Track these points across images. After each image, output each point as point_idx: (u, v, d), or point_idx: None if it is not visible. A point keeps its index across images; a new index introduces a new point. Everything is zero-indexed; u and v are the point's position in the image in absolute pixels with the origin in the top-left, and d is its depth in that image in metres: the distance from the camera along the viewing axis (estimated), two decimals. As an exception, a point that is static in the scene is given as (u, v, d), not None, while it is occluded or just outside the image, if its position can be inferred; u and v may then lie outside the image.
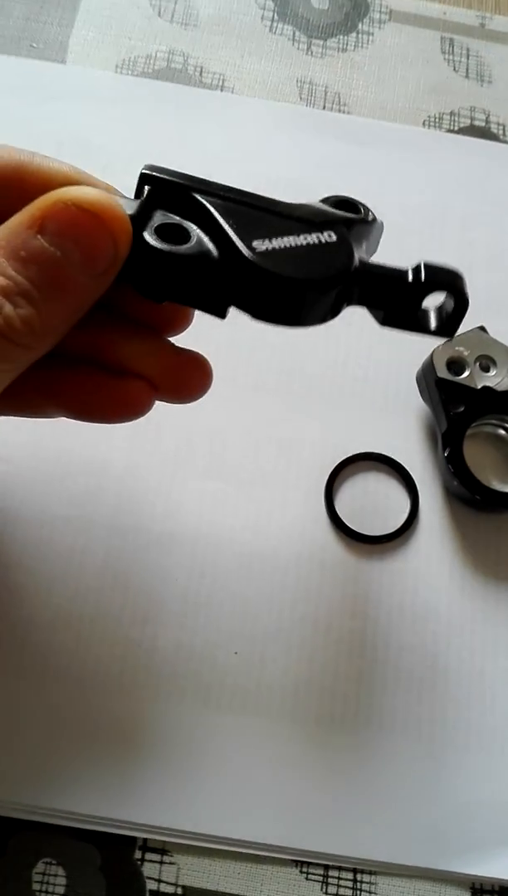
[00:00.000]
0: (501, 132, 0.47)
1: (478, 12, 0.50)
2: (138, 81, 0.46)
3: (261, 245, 0.25)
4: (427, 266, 0.26)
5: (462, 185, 0.45)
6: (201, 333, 0.40)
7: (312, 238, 0.26)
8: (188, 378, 0.29)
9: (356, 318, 0.41)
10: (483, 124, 0.47)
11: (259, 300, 0.25)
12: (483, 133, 0.47)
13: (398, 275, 0.26)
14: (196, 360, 0.29)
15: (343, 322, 0.41)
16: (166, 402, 0.30)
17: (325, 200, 0.28)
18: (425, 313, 0.27)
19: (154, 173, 0.26)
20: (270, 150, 0.45)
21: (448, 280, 0.26)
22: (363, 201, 0.28)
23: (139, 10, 0.48)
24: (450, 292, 0.27)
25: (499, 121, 0.47)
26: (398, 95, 0.47)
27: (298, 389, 0.40)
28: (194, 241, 0.25)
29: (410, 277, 0.26)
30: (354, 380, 0.40)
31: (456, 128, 0.47)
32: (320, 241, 0.26)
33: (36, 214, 0.23)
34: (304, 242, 0.25)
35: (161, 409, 0.38)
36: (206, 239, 0.25)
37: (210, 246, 0.25)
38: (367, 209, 0.28)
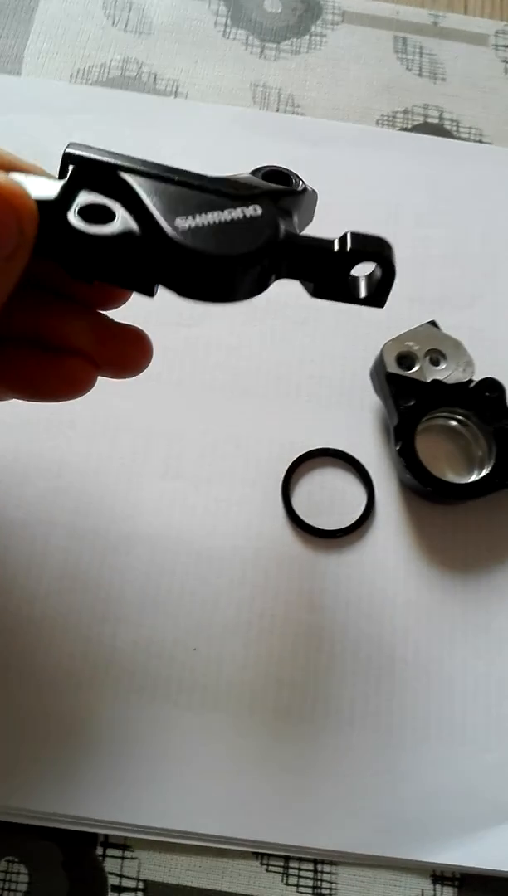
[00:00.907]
0: (454, 129, 0.48)
1: (431, 11, 0.51)
2: (93, 90, 0.47)
3: (184, 223, 0.25)
4: (354, 235, 0.26)
5: (416, 183, 0.46)
6: (155, 334, 0.41)
7: (236, 213, 0.26)
8: (128, 352, 0.30)
9: (310, 316, 0.42)
10: (436, 121, 0.48)
11: (185, 278, 0.25)
12: (437, 130, 0.48)
13: (324, 245, 0.26)
14: (135, 333, 0.30)
15: (297, 320, 0.42)
16: (109, 377, 0.30)
17: (255, 172, 0.28)
18: (355, 282, 0.27)
19: (77, 152, 0.25)
20: (225, 154, 0.45)
21: (374, 249, 0.27)
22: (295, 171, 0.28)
23: (93, 19, 0.48)
24: (377, 262, 0.27)
25: (453, 117, 0.48)
26: (351, 95, 0.48)
27: (253, 388, 0.40)
28: (118, 221, 0.25)
29: (336, 247, 0.26)
30: (309, 377, 0.41)
31: (410, 125, 0.48)
32: (244, 216, 0.26)
33: None
34: (228, 218, 0.25)
35: (118, 411, 0.39)
36: (130, 218, 0.25)
37: (134, 225, 0.25)
38: (298, 179, 0.28)
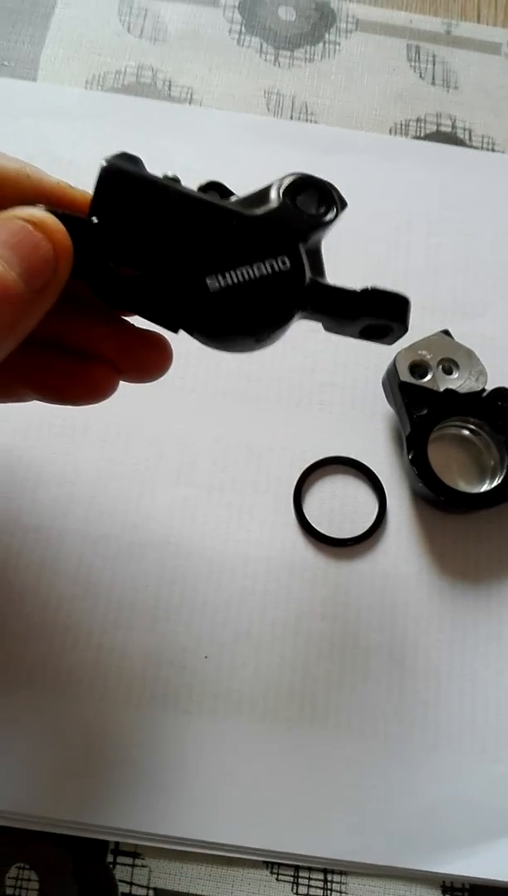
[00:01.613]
0: (467, 137, 0.48)
1: (444, 19, 0.51)
2: (108, 97, 0.47)
3: (214, 283, 0.26)
4: (376, 293, 0.27)
5: (428, 191, 0.46)
6: (170, 341, 0.41)
7: (265, 268, 0.26)
8: (149, 357, 0.30)
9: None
10: (449, 130, 0.48)
11: (212, 333, 0.27)
12: (450, 139, 0.48)
13: (347, 298, 0.27)
14: (156, 338, 0.30)
15: (310, 328, 0.42)
16: (129, 381, 0.30)
17: (292, 187, 0.27)
18: (368, 329, 0.28)
19: (112, 189, 0.26)
20: (238, 161, 0.45)
21: (393, 311, 0.27)
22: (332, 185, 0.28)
23: (109, 26, 0.49)
24: (394, 321, 0.27)
25: (465, 126, 0.48)
26: (364, 103, 0.48)
27: (266, 395, 0.40)
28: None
29: (358, 302, 0.27)
30: (321, 385, 0.41)
31: (423, 134, 0.48)
32: (273, 270, 0.26)
33: None
34: (258, 274, 0.26)
35: (131, 417, 0.39)
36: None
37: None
38: (335, 196, 0.28)
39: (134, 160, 0.27)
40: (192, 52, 0.48)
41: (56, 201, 0.26)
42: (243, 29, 0.49)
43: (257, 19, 0.50)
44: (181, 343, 0.41)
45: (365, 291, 0.27)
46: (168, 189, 0.26)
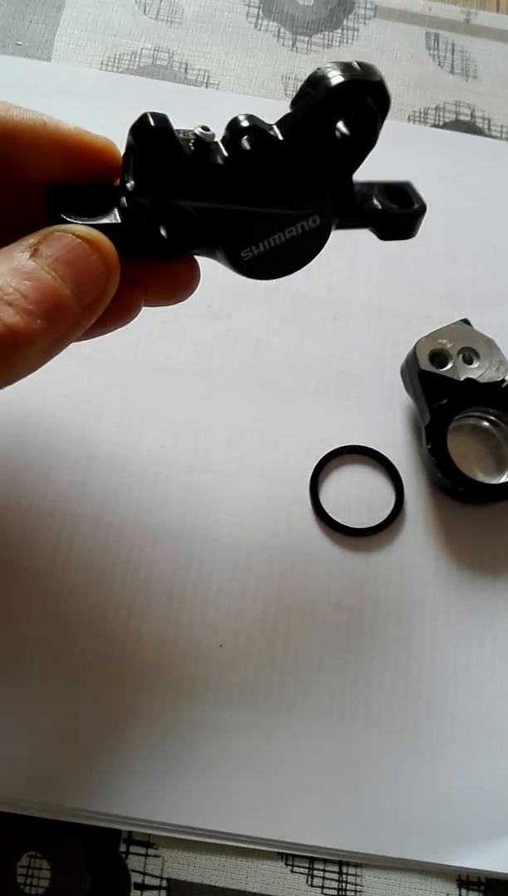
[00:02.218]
0: (486, 126, 0.47)
1: (463, 8, 0.50)
2: (123, 78, 0.46)
3: (248, 253, 0.27)
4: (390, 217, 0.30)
5: (446, 180, 0.45)
6: (183, 326, 0.41)
7: (296, 229, 0.28)
8: (178, 276, 0.30)
9: (340, 311, 0.41)
10: (468, 118, 0.47)
11: (245, 275, 0.29)
12: (469, 127, 0.47)
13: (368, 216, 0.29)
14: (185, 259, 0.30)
15: (327, 316, 0.42)
16: (155, 304, 0.30)
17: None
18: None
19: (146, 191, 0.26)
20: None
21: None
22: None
23: (124, 7, 0.48)
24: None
25: (484, 115, 0.47)
26: (383, 91, 0.47)
27: (283, 383, 0.40)
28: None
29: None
30: (339, 373, 0.40)
31: (441, 122, 0.47)
32: (304, 230, 0.28)
33: (32, 241, 0.25)
34: (288, 237, 0.28)
35: (146, 403, 0.39)
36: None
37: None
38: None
39: (164, 119, 0.26)
40: (209, 35, 0.48)
41: (74, 148, 0.26)
42: (261, 13, 0.49)
43: (274, 4, 0.49)
44: (195, 330, 0.40)
45: (383, 214, 0.29)
46: (203, 166, 0.26)
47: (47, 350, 0.25)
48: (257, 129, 0.26)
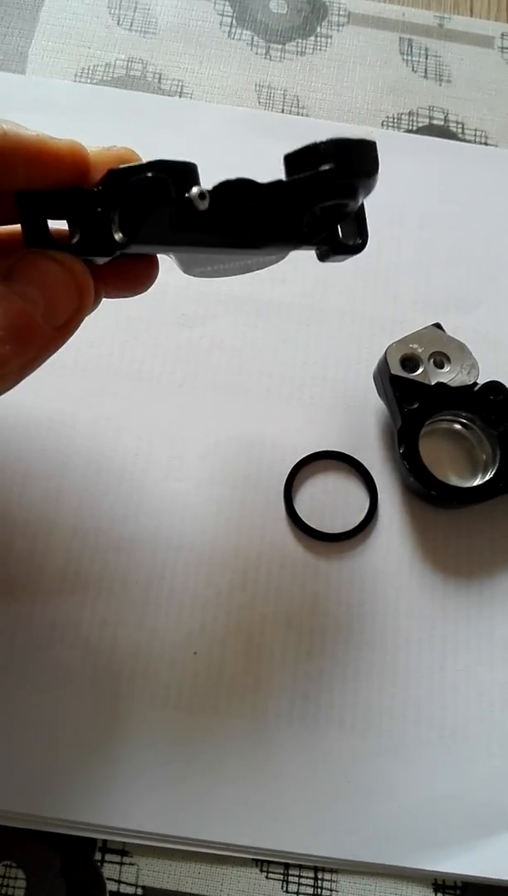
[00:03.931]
0: (459, 131, 0.47)
1: (437, 13, 0.51)
2: (98, 90, 0.46)
3: (204, 270, 0.29)
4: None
5: (420, 185, 0.45)
6: (157, 334, 0.41)
7: (254, 262, 0.29)
8: (136, 269, 0.30)
9: (314, 317, 0.41)
10: (441, 123, 0.48)
11: None
12: (442, 132, 0.47)
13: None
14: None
15: (301, 321, 0.42)
16: (113, 296, 0.30)
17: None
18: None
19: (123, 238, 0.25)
20: (230, 155, 0.45)
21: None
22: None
23: (98, 19, 0.48)
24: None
25: (458, 119, 0.48)
26: (356, 97, 0.48)
27: (256, 389, 0.40)
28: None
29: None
30: (313, 379, 0.40)
31: (415, 127, 0.47)
32: (261, 261, 0.29)
33: (3, 266, 0.25)
34: (245, 262, 0.29)
35: (120, 411, 0.39)
36: None
37: None
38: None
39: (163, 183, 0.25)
40: (182, 44, 0.48)
41: (36, 155, 0.26)
42: (234, 22, 0.49)
43: (248, 12, 0.49)
44: (169, 338, 0.41)
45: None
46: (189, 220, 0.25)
47: (19, 371, 0.26)
48: (246, 183, 0.26)
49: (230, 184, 0.25)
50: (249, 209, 0.26)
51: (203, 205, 0.24)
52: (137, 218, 0.25)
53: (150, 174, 0.24)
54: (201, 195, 0.24)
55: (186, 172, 0.25)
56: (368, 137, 0.26)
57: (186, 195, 0.24)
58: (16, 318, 0.25)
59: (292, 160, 0.26)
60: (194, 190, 0.24)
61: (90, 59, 0.47)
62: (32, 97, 0.46)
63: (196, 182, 0.25)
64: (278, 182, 0.26)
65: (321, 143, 0.26)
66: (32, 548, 0.36)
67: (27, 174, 0.26)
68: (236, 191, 0.25)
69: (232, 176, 0.26)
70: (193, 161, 0.25)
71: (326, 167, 0.25)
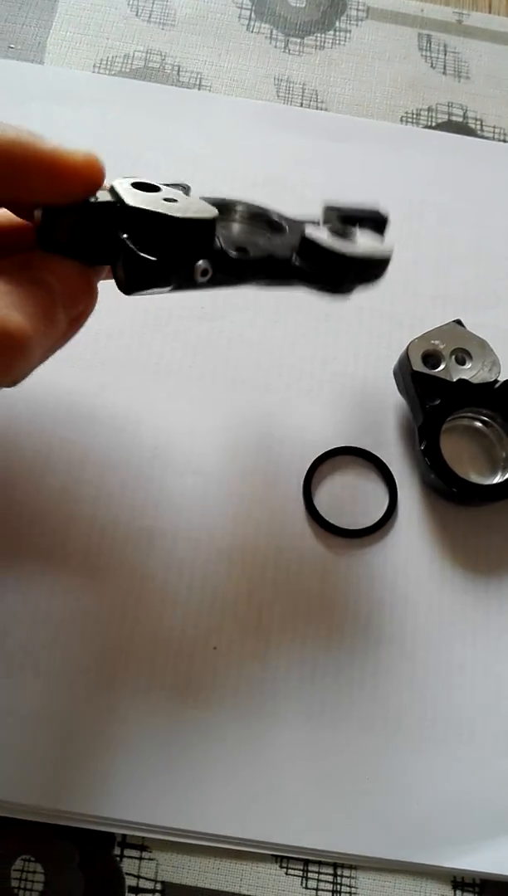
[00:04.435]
0: (478, 127, 0.47)
1: (455, 8, 0.50)
2: (116, 81, 0.46)
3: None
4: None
5: (439, 181, 0.45)
6: (180, 329, 0.41)
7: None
8: None
9: (333, 312, 0.41)
10: (460, 119, 0.47)
11: None
12: (461, 128, 0.47)
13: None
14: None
15: (320, 317, 0.42)
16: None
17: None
18: None
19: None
20: (247, 148, 0.45)
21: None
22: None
23: (117, 10, 0.48)
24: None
25: (477, 116, 0.47)
26: (375, 92, 0.48)
27: (276, 384, 0.40)
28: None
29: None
30: (332, 374, 0.40)
31: (434, 123, 0.47)
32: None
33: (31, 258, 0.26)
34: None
35: (140, 404, 0.39)
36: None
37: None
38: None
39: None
40: (201, 37, 0.48)
41: (51, 168, 0.25)
42: (253, 15, 0.49)
43: (266, 5, 0.49)
44: (189, 331, 0.40)
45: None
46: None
47: (41, 357, 0.26)
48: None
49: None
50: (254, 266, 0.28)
51: (203, 278, 0.27)
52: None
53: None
54: (204, 272, 0.27)
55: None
56: (386, 254, 0.30)
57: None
58: (42, 303, 0.25)
59: (308, 249, 0.29)
60: (200, 263, 0.26)
61: (109, 51, 0.47)
62: (51, 87, 0.45)
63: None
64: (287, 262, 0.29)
65: (345, 257, 0.29)
66: (51, 541, 0.36)
67: (43, 186, 0.26)
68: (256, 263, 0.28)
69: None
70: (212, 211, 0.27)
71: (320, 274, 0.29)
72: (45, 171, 0.25)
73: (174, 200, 0.26)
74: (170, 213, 0.25)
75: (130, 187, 0.26)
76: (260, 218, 0.31)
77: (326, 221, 0.32)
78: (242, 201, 0.31)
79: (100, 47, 0.47)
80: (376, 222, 0.33)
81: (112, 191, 0.26)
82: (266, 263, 0.28)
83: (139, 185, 0.27)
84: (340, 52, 0.48)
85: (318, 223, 0.31)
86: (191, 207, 0.26)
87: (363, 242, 0.29)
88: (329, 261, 0.28)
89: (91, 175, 0.26)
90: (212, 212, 0.27)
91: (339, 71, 0.48)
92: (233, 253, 0.27)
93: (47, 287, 0.26)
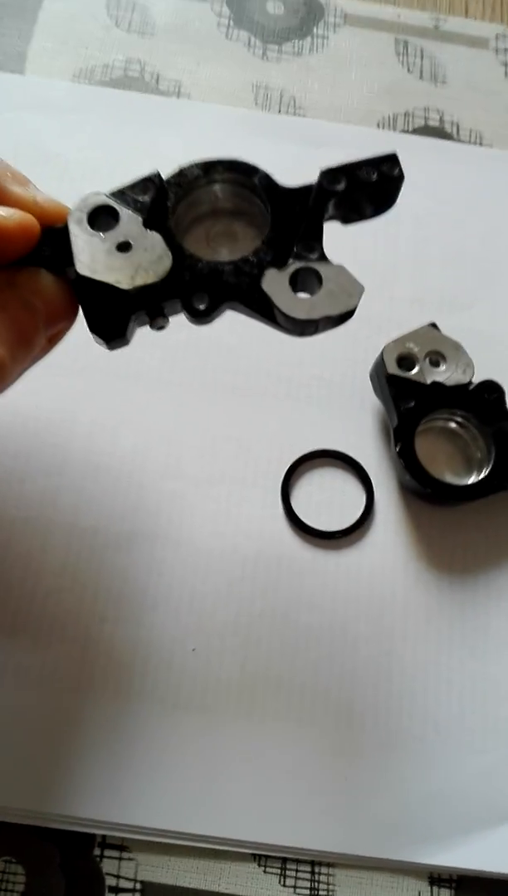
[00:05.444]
0: (454, 131, 0.48)
1: (432, 14, 0.51)
2: (96, 90, 0.47)
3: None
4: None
5: (416, 184, 0.45)
6: (158, 334, 0.41)
7: None
8: None
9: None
10: (437, 124, 0.48)
11: None
12: (438, 133, 0.48)
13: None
14: None
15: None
16: None
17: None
18: None
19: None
20: (225, 154, 0.45)
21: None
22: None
23: (97, 20, 0.48)
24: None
25: (453, 120, 0.48)
26: (353, 97, 0.48)
27: (254, 388, 0.40)
28: None
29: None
30: (309, 378, 0.41)
31: (411, 128, 0.48)
32: None
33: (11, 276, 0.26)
34: None
35: (119, 409, 0.39)
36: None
37: None
38: None
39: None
40: (180, 45, 0.48)
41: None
42: (231, 23, 0.49)
43: (245, 13, 0.50)
44: (169, 335, 0.41)
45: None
46: None
47: (15, 377, 0.27)
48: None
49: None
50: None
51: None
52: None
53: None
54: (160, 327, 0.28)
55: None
56: (350, 307, 0.27)
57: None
58: (21, 327, 0.26)
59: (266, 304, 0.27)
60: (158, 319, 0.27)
61: (89, 60, 0.47)
62: (31, 97, 0.46)
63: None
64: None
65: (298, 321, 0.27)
66: (31, 545, 0.36)
67: None
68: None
69: None
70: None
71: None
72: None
73: (127, 247, 0.26)
74: (117, 285, 0.26)
75: (87, 228, 0.27)
76: (244, 182, 0.29)
77: (321, 193, 0.28)
78: (227, 160, 0.30)
79: (80, 57, 0.47)
80: (386, 183, 0.29)
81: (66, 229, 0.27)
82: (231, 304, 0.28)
83: (100, 212, 0.27)
84: (318, 58, 0.49)
85: (312, 188, 0.28)
86: (143, 262, 0.26)
87: (329, 288, 0.27)
88: (287, 318, 0.27)
89: (25, 238, 0.26)
90: (164, 265, 0.26)
91: (317, 77, 0.48)
92: (199, 306, 0.27)
93: (31, 310, 0.26)
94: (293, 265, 0.27)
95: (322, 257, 0.27)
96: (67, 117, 0.45)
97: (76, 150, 0.44)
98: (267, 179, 0.28)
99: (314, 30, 0.50)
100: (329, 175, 0.28)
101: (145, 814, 0.33)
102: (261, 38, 0.49)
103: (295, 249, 0.27)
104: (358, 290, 0.27)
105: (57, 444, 0.38)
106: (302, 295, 0.27)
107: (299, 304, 0.26)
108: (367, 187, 0.28)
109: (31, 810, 0.32)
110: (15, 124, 0.45)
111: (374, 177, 0.28)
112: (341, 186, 0.28)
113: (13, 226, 0.26)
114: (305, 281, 0.27)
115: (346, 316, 0.27)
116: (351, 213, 0.29)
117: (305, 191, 0.28)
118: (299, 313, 0.26)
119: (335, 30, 0.50)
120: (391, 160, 0.29)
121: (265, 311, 0.27)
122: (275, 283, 0.27)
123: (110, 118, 0.46)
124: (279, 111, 0.47)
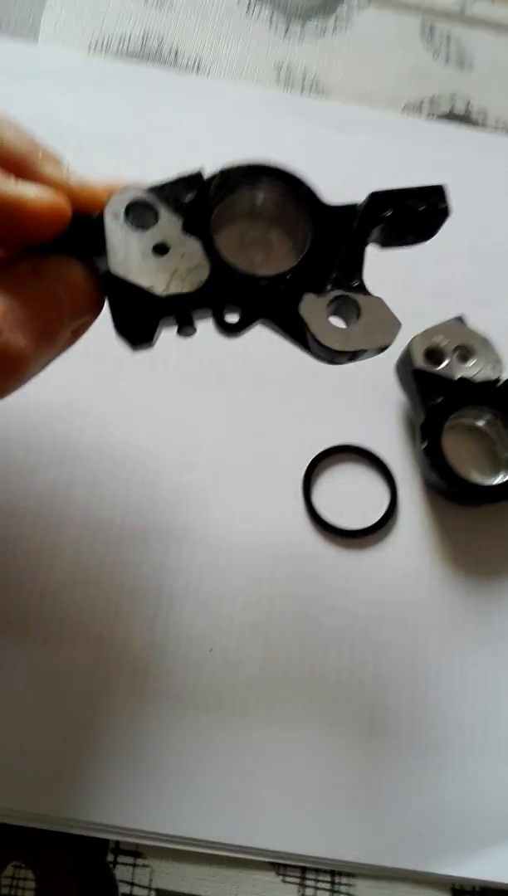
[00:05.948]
0: (481, 119, 0.46)
1: (458, -3, 0.49)
2: (112, 62, 0.45)
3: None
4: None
5: (441, 173, 0.44)
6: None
7: None
8: None
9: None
10: (463, 112, 0.47)
11: None
12: (464, 120, 0.46)
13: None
14: None
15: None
16: None
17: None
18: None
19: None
20: (245, 135, 0.44)
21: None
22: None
23: (113, -11, 0.46)
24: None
25: (480, 107, 0.47)
26: (377, 81, 0.47)
27: (274, 380, 0.39)
28: None
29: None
30: (332, 370, 0.39)
31: (436, 114, 0.46)
32: None
33: (36, 264, 0.25)
34: None
35: (134, 399, 0.38)
36: None
37: None
38: None
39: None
40: (200, 19, 0.47)
41: (12, 214, 0.24)
42: (253, -2, 0.47)
43: (267, -11, 0.48)
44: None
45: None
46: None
47: (37, 370, 0.25)
48: None
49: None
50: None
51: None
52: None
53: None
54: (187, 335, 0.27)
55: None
56: (386, 342, 0.26)
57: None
58: (46, 318, 0.24)
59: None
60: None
61: (105, 31, 0.45)
62: (44, 68, 0.44)
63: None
64: None
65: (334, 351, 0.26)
66: (43, 540, 0.35)
67: (2, 232, 0.24)
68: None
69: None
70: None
71: None
72: (6, 217, 0.24)
73: (164, 250, 0.25)
74: (150, 290, 0.25)
75: (123, 223, 0.25)
76: (287, 192, 0.27)
77: (367, 218, 0.27)
78: (273, 167, 0.27)
79: (95, 27, 0.45)
80: (430, 215, 0.28)
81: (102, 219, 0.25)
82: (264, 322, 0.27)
83: (137, 207, 0.25)
84: (341, 39, 0.47)
85: (357, 208, 0.27)
86: (179, 269, 0.25)
87: (367, 321, 0.26)
88: (320, 346, 0.26)
89: (55, 222, 0.24)
90: (201, 275, 0.25)
91: (340, 58, 0.47)
92: (231, 320, 0.26)
93: (56, 301, 0.25)
94: (333, 292, 0.26)
95: (362, 287, 0.26)
96: (82, 90, 0.44)
97: (91, 123, 0.43)
98: (311, 194, 0.27)
99: (338, 9, 0.48)
100: (377, 200, 0.27)
101: (161, 819, 0.32)
102: (283, 15, 0.47)
103: (335, 275, 0.26)
104: (396, 326, 0.26)
105: (69, 435, 0.37)
106: (338, 324, 0.26)
107: (334, 333, 0.26)
108: (414, 217, 0.27)
109: (41, 814, 0.31)
110: (28, 95, 0.43)
111: (421, 208, 0.27)
112: (388, 213, 0.27)
113: (44, 208, 0.24)
114: (342, 310, 0.26)
115: (380, 350, 0.26)
116: (393, 239, 0.28)
117: (347, 210, 0.27)
118: (335, 343, 0.25)
119: (360, 10, 0.48)
120: (439, 193, 0.28)
121: (297, 333, 0.26)
122: (313, 309, 0.26)
123: (127, 92, 0.44)
124: (302, 91, 0.46)
